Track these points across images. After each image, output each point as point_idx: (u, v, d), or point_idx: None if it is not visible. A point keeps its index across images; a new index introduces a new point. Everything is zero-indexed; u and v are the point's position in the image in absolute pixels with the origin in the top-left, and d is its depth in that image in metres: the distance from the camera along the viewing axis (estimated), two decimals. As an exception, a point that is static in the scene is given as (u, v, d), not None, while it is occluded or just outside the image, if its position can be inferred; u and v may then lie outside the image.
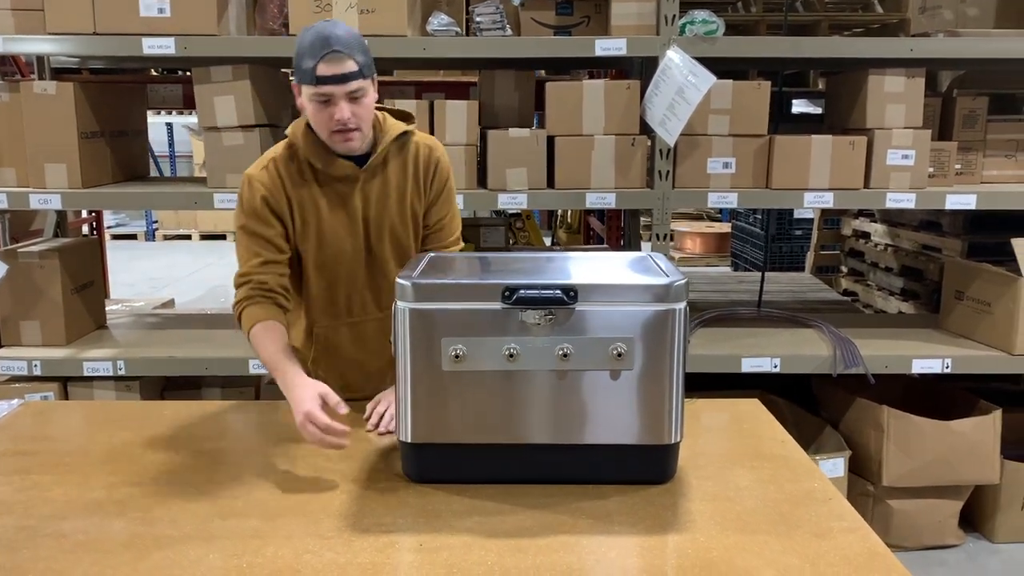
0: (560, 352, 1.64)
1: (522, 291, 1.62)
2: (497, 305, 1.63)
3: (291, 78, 1.97)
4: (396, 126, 2.05)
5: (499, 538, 1.51)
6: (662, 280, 1.66)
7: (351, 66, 1.85)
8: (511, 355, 1.64)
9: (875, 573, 1.39)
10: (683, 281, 1.66)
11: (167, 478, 1.76)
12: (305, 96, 1.90)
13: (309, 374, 2.00)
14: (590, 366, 1.65)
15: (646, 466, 1.71)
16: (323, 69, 1.83)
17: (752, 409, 2.18)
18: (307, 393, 1.77)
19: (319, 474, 1.77)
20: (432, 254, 1.95)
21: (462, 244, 2.21)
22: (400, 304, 1.65)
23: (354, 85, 1.86)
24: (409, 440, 1.70)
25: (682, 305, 1.65)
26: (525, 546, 1.48)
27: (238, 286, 2.01)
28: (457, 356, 1.64)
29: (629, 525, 1.56)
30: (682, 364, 1.67)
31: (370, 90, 1.92)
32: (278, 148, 2.06)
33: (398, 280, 1.66)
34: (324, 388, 1.79)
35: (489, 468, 1.71)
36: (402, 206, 2.07)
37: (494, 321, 1.64)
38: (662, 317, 1.64)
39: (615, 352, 1.64)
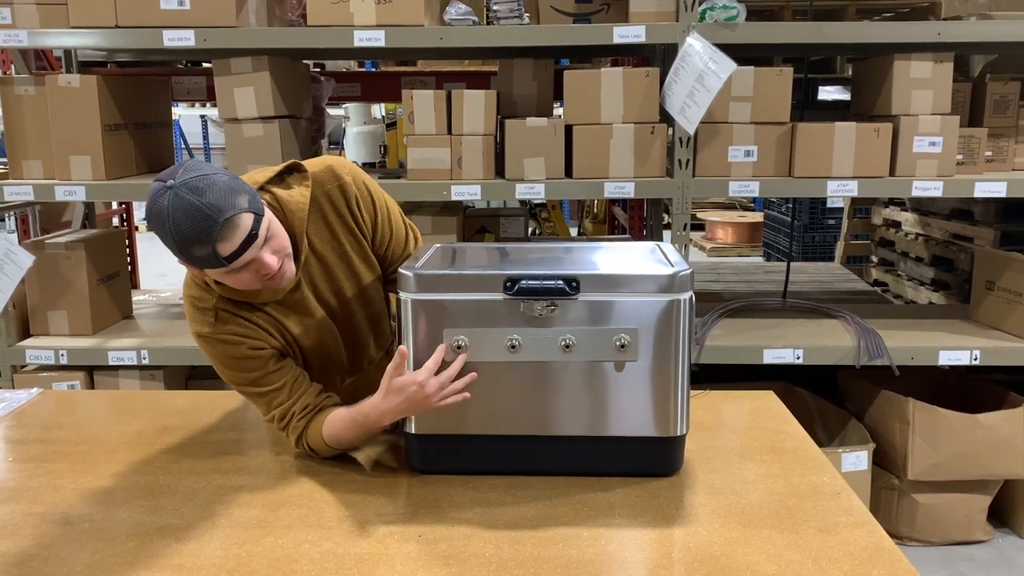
0: (563, 343, 1.62)
1: (524, 282, 1.61)
2: (499, 296, 1.62)
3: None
4: (298, 207, 1.71)
5: (499, 529, 1.50)
6: (666, 270, 1.63)
7: (247, 221, 1.51)
8: (513, 346, 1.63)
9: (879, 569, 1.36)
10: (687, 271, 1.64)
11: (175, 467, 1.77)
12: (212, 275, 1.60)
13: None
14: (593, 357, 1.63)
15: (651, 459, 1.69)
16: (225, 248, 1.49)
17: (766, 401, 2.15)
18: (391, 394, 1.63)
19: (324, 464, 1.78)
20: (439, 244, 1.94)
21: (418, 235, 1.98)
22: (403, 294, 1.65)
23: (263, 235, 1.54)
24: (412, 431, 1.70)
25: (687, 295, 1.63)
26: (524, 538, 1.47)
27: (283, 427, 1.77)
28: (459, 347, 1.63)
29: (631, 518, 1.54)
30: (687, 355, 1.65)
31: (272, 220, 1.59)
32: (203, 298, 1.71)
33: (401, 271, 1.66)
34: (386, 375, 1.63)
35: (492, 459, 1.70)
36: (352, 270, 1.82)
37: (496, 312, 1.63)
38: (666, 307, 1.62)
39: (618, 343, 1.62)
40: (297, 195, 1.72)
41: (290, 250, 1.65)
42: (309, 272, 1.77)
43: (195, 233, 1.48)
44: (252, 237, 1.52)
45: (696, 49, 2.95)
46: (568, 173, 3.17)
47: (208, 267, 1.55)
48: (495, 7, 3.13)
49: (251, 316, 1.73)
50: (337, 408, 1.76)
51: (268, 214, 1.58)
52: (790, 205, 7.64)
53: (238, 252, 1.52)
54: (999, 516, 3.36)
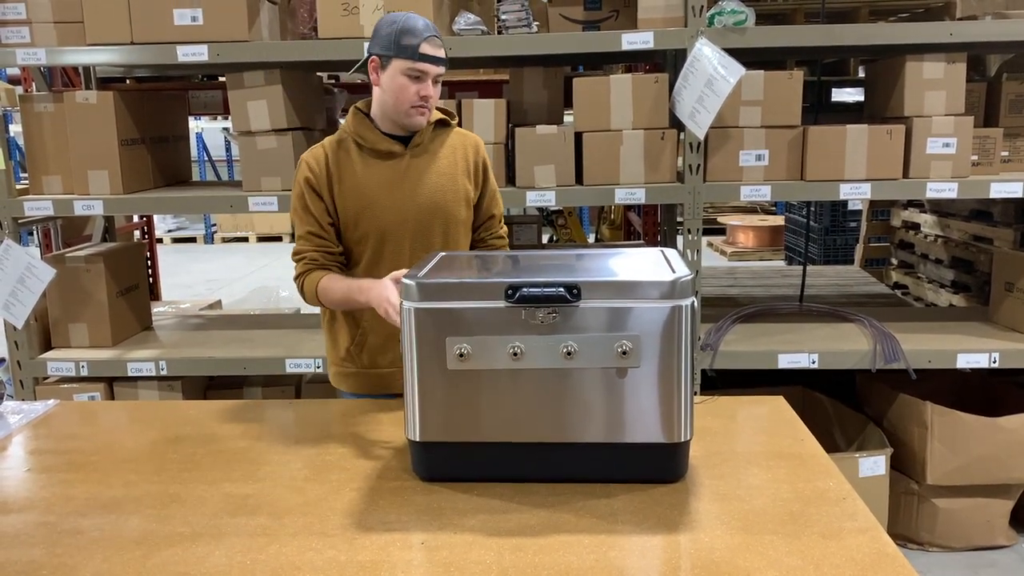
0: (564, 350, 1.63)
1: (525, 289, 1.62)
2: (501, 304, 1.63)
3: (372, 56, 2.14)
4: (438, 114, 2.25)
5: (500, 537, 1.51)
6: (667, 276, 1.63)
7: (443, 54, 2.12)
8: (515, 354, 1.63)
9: (881, 575, 1.35)
10: (689, 277, 1.63)
11: (184, 476, 1.80)
12: (396, 70, 2.08)
13: (352, 356, 2.28)
14: (595, 364, 1.63)
15: (654, 465, 1.69)
16: (427, 48, 2.06)
17: (775, 406, 2.14)
18: (383, 284, 1.97)
19: (331, 472, 1.79)
20: (443, 253, 1.96)
21: (505, 231, 2.40)
22: (405, 303, 1.66)
23: (442, 70, 2.12)
24: (417, 439, 1.71)
25: (688, 301, 1.63)
26: (525, 545, 1.48)
27: (295, 262, 2.22)
28: (462, 355, 1.64)
29: (633, 524, 1.54)
30: (690, 361, 1.65)
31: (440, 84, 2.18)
32: (340, 132, 2.24)
33: (403, 280, 1.68)
34: (395, 274, 1.97)
35: (496, 466, 1.71)
36: (453, 183, 2.22)
37: (498, 320, 1.63)
38: (668, 314, 1.62)
39: (620, 350, 1.62)
40: (437, 112, 2.23)
41: (434, 111, 2.18)
42: (416, 164, 2.19)
43: (416, 28, 2.06)
44: (440, 61, 2.09)
45: (705, 54, 2.95)
46: (579, 180, 3.18)
47: (403, 56, 2.06)
48: (504, 16, 3.15)
49: (333, 165, 2.16)
50: (336, 273, 2.18)
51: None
52: (813, 208, 7.59)
53: (429, 59, 2.07)
54: (1022, 521, 3.31)
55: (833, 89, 4.53)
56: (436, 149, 2.23)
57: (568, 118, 3.40)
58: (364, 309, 2.16)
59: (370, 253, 2.20)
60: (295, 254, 2.22)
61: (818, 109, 3.60)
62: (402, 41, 2.05)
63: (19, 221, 3.32)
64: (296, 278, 2.22)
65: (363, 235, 2.18)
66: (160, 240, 11.14)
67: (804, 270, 3.93)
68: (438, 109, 2.27)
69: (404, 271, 1.89)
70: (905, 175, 3.10)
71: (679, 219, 3.70)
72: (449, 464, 1.72)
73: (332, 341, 2.35)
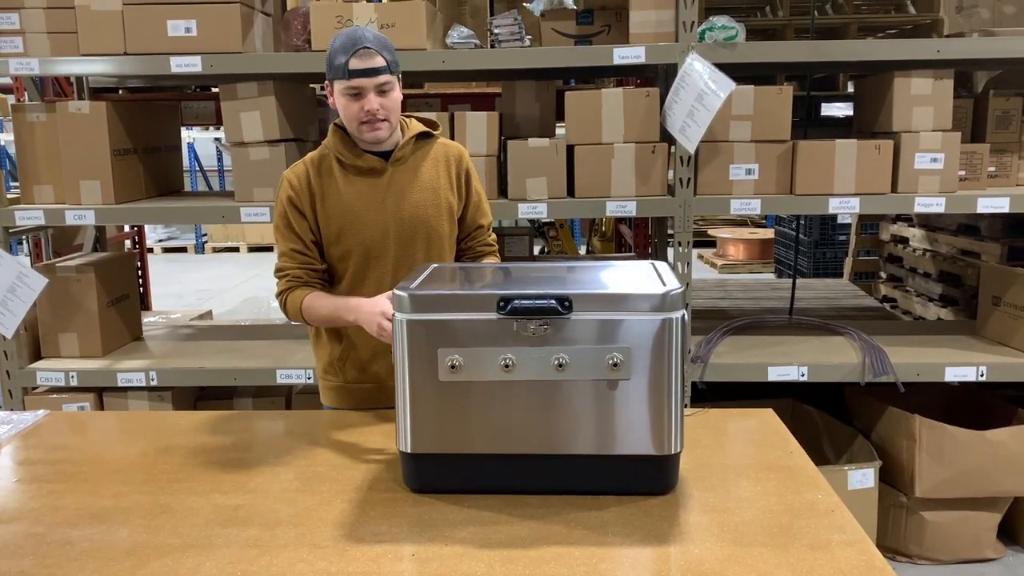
0: (556, 362, 1.64)
1: (516, 301, 1.63)
2: (492, 315, 1.64)
3: (325, 81, 2.11)
4: (419, 126, 2.21)
5: (491, 548, 1.51)
6: (657, 289, 1.65)
7: (379, 61, 2.01)
8: (507, 365, 1.64)
9: (869, 587, 1.36)
10: (679, 290, 1.65)
11: (174, 487, 1.80)
12: (337, 92, 2.05)
13: (335, 370, 2.26)
14: (586, 376, 1.64)
15: (645, 477, 1.70)
16: (354, 63, 1.99)
17: (765, 419, 2.15)
18: (374, 301, 1.98)
19: (322, 483, 1.80)
20: (435, 264, 1.97)
21: (495, 243, 2.37)
22: (398, 315, 1.67)
23: (382, 78, 2.02)
24: (408, 450, 1.71)
25: (679, 314, 1.64)
26: (516, 556, 1.48)
27: (278, 279, 2.20)
28: (453, 367, 1.65)
29: (623, 536, 1.55)
30: (681, 373, 1.66)
31: (396, 87, 2.07)
32: (321, 150, 2.20)
33: (395, 291, 1.68)
34: (389, 293, 1.87)
35: (487, 478, 1.71)
36: (435, 197, 2.18)
37: (490, 331, 1.64)
38: (659, 326, 1.63)
39: (611, 362, 1.63)
40: (419, 125, 2.20)
41: (394, 121, 2.09)
42: (398, 180, 2.15)
43: (343, 45, 2.00)
44: (374, 71, 2.00)
45: (696, 69, 2.98)
46: (570, 192, 3.19)
47: (336, 77, 2.02)
48: (496, 30, 3.17)
49: (315, 183, 2.12)
50: (320, 292, 2.15)
51: (396, 83, 2.06)
52: (802, 221, 7.63)
53: (358, 73, 1.99)
54: (1009, 534, 3.33)
55: (822, 104, 4.57)
56: (418, 162, 2.18)
57: (560, 131, 3.43)
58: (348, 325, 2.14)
59: (353, 269, 2.17)
60: (278, 271, 2.19)
61: (807, 124, 3.63)
62: (334, 62, 2.01)
63: (10, 231, 3.32)
64: (279, 295, 2.20)
65: (346, 251, 2.16)
66: (151, 250, 11.11)
67: (794, 283, 3.96)
68: (420, 120, 2.23)
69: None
70: (893, 190, 3.13)
71: (670, 232, 3.72)
72: (440, 476, 1.73)
73: (316, 355, 2.35)
